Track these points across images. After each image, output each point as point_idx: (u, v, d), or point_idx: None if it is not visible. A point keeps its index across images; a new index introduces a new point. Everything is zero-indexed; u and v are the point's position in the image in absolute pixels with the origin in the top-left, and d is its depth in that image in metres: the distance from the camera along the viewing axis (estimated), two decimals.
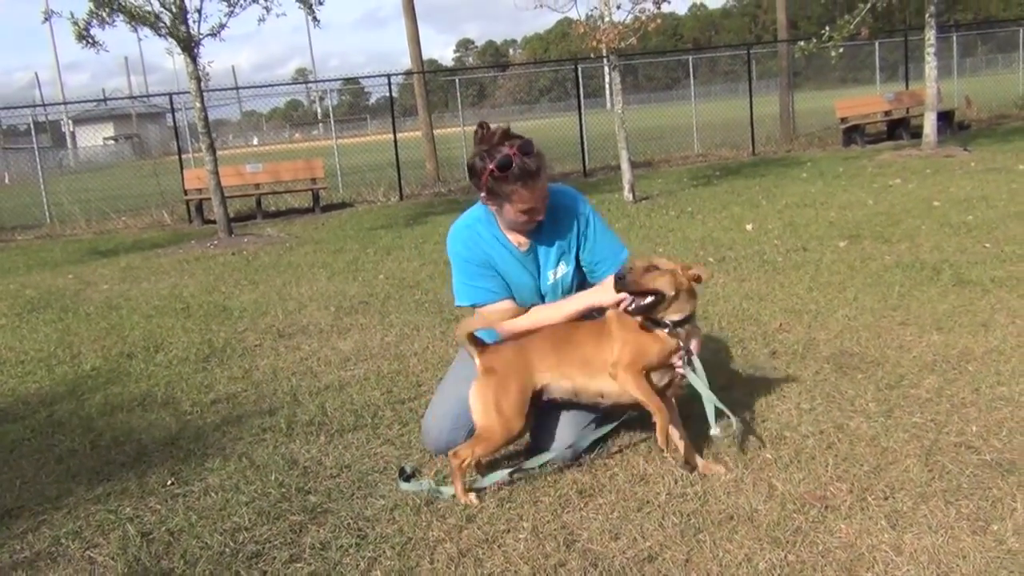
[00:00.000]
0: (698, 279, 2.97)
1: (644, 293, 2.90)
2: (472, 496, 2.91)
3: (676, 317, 2.96)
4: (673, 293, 2.91)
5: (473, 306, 3.27)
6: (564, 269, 3.31)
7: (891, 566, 2.34)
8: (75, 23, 9.95)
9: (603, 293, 3.10)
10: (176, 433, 3.85)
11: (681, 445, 3.02)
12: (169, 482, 3.29)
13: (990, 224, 7.01)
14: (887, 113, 17.38)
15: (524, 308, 3.21)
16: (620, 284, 2.91)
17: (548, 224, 3.27)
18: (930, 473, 2.82)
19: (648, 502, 2.80)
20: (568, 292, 3.34)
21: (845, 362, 4.00)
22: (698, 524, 2.63)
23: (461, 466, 2.93)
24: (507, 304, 3.22)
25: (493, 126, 3.16)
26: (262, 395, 4.32)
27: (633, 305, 2.92)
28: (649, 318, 2.95)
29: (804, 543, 2.48)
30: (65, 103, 28.80)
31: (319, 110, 59.41)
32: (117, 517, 3.01)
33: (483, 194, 3.15)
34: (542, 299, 3.34)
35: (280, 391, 4.35)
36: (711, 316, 4.99)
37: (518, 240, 3.29)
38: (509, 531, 2.70)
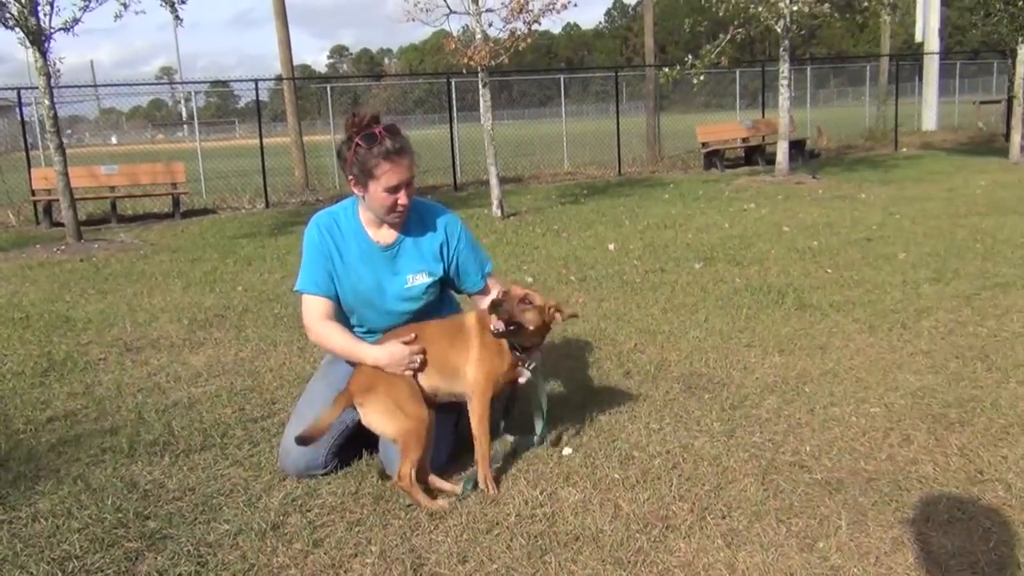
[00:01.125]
0: (559, 318, 3.22)
1: (513, 323, 3.05)
2: (441, 501, 2.97)
3: (527, 344, 3.18)
4: (533, 328, 3.11)
5: (300, 292, 3.34)
6: (424, 280, 3.33)
7: None
8: None
9: (374, 351, 3.14)
10: (5, 454, 3.61)
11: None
12: None
13: (833, 250, 7.43)
14: (745, 139, 18.20)
15: (335, 314, 3.30)
16: (495, 310, 3.04)
17: (418, 230, 3.33)
18: (765, 492, 2.96)
19: (497, 524, 2.81)
20: (416, 301, 3.35)
21: (694, 382, 4.15)
22: (545, 545, 2.66)
23: (411, 483, 2.92)
24: (323, 304, 3.29)
25: (362, 112, 3.20)
26: (104, 413, 4.11)
27: (498, 329, 3.04)
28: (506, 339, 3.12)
29: (645, 563, 2.55)
30: None
31: (184, 111, 57.31)
32: None
33: (350, 177, 3.19)
34: (385, 302, 3.33)
35: (124, 408, 4.15)
36: (569, 335, 5.08)
37: (380, 236, 3.30)
38: (356, 555, 2.66)
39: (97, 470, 3.40)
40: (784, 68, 13.89)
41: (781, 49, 13.81)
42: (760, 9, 13.35)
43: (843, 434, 3.45)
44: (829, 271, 6.56)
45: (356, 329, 3.40)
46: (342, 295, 3.34)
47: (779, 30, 13.57)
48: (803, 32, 14.72)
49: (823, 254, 7.28)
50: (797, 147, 16.59)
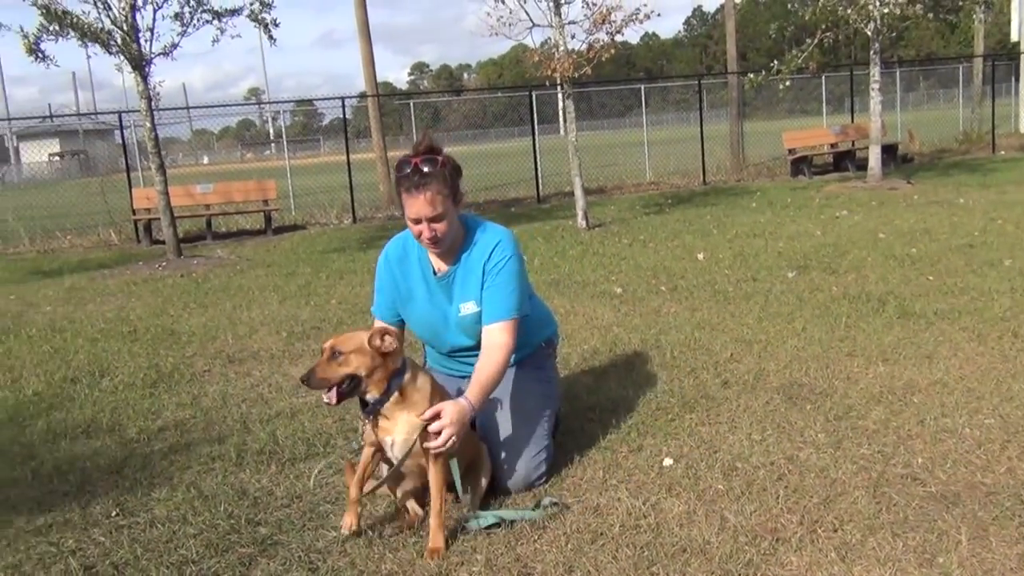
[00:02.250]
0: (386, 341, 2.81)
1: (342, 384, 2.78)
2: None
3: (375, 395, 2.83)
4: (368, 371, 2.79)
5: (375, 316, 3.42)
6: (474, 309, 3.28)
7: None
8: (25, 37, 9.76)
9: None
10: (121, 461, 3.76)
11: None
12: (114, 513, 3.21)
13: (933, 257, 7.19)
14: (834, 145, 17.79)
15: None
16: (306, 384, 2.78)
17: (471, 257, 3.27)
18: (878, 505, 2.87)
19: (602, 534, 2.80)
20: (467, 331, 3.31)
21: (795, 393, 4.07)
22: (651, 556, 2.64)
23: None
24: (380, 326, 3.21)
25: (429, 138, 3.19)
26: (211, 422, 4.25)
27: (332, 401, 2.77)
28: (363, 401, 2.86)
29: None
30: (9, 119, 28.14)
31: (271, 130, 58.96)
32: (59, 550, 2.92)
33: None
34: (448, 332, 3.35)
35: (230, 418, 4.28)
36: (663, 345, 5.04)
37: (438, 264, 3.32)
38: (463, 564, 2.68)
39: (208, 477, 3.51)
40: (875, 71, 13.54)
41: (871, 52, 13.46)
42: (849, 12, 13.05)
43: (957, 446, 3.32)
44: (931, 278, 6.35)
45: (444, 348, 3.45)
46: (412, 326, 3.42)
47: (869, 33, 13.24)
48: (892, 34, 14.27)
49: (923, 261, 7.06)
50: (889, 152, 16.15)
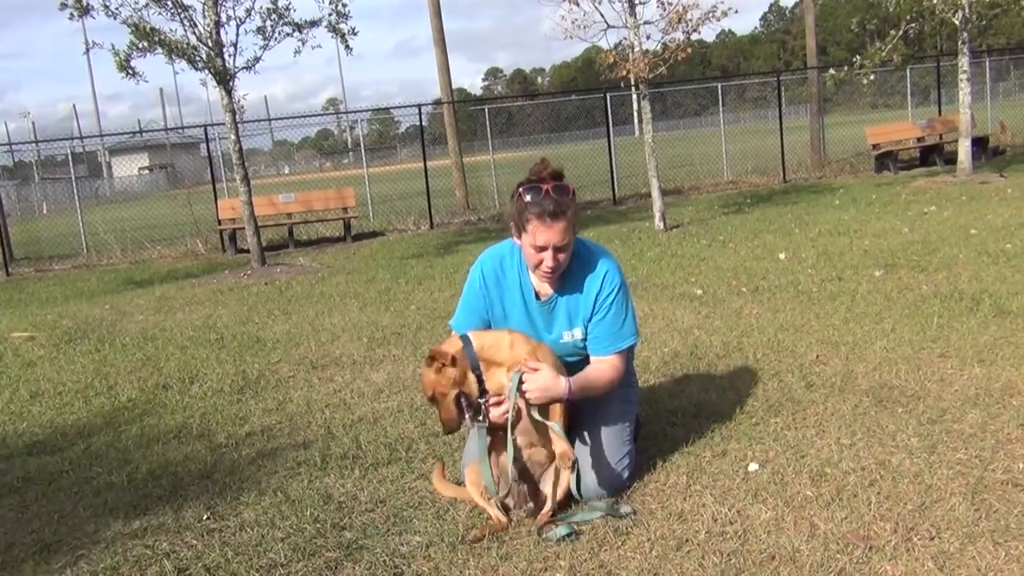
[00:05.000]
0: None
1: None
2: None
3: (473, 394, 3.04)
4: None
5: (452, 328, 3.33)
6: (579, 335, 3.25)
7: None
8: (116, 54, 10.15)
9: None
10: (211, 466, 3.86)
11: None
12: (205, 517, 3.29)
13: None
14: (920, 139, 17.23)
15: None
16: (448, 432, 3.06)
17: (575, 283, 3.22)
18: (977, 512, 2.76)
19: (687, 540, 2.75)
20: (575, 355, 3.28)
21: (885, 395, 3.94)
22: (739, 564, 2.58)
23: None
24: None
25: (549, 164, 3.15)
26: (296, 428, 4.33)
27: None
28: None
29: None
30: (102, 135, 29.31)
31: (349, 139, 60.00)
32: (154, 553, 3.01)
33: (511, 222, 3.16)
34: None
35: (314, 424, 4.36)
36: (746, 348, 4.94)
37: (540, 288, 3.26)
38: (546, 570, 2.67)
39: (294, 482, 3.57)
40: (964, 61, 13.06)
41: (960, 41, 12.99)
42: (935, 1, 12.62)
43: None
44: None
45: None
46: None
47: (956, 22, 12.78)
48: (981, 22, 13.74)
49: (1019, 257, 6.76)
50: (979, 145, 15.54)
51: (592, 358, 3.25)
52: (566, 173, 3.15)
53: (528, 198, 3.04)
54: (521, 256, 3.23)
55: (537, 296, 3.26)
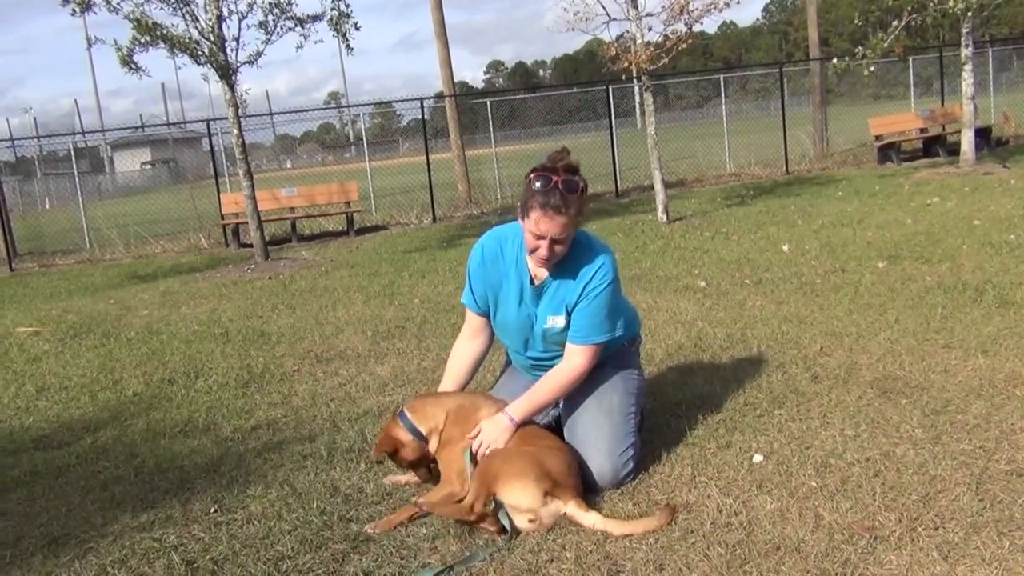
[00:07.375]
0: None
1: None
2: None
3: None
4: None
5: (464, 305, 3.48)
6: (561, 323, 3.27)
7: None
8: (119, 49, 10.15)
9: None
10: (218, 459, 3.88)
11: None
12: (212, 510, 3.31)
13: None
14: (923, 130, 17.19)
15: (478, 337, 3.49)
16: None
17: (568, 271, 3.25)
18: (981, 502, 2.77)
19: (692, 531, 2.77)
20: (557, 344, 3.32)
21: (889, 387, 3.95)
22: (744, 555, 2.60)
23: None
24: (476, 320, 3.46)
25: (568, 155, 3.15)
26: (302, 421, 4.35)
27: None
28: None
29: (854, 575, 2.44)
30: (103, 130, 29.38)
31: (351, 133, 59.93)
32: (162, 545, 3.03)
33: (519, 203, 3.19)
34: (534, 338, 3.36)
35: (319, 417, 4.37)
36: (749, 339, 4.95)
37: (535, 272, 3.30)
38: (552, 561, 2.68)
39: (300, 475, 3.59)
40: (966, 51, 13.02)
41: (963, 32, 12.96)
42: None
43: None
44: None
45: (523, 356, 3.46)
46: (496, 329, 3.46)
47: (958, 12, 12.73)
48: (984, 12, 13.68)
49: (1023, 248, 6.76)
50: (982, 135, 15.51)
51: (566, 349, 3.27)
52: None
53: (537, 185, 3.06)
54: (523, 238, 3.27)
55: (532, 280, 3.30)
